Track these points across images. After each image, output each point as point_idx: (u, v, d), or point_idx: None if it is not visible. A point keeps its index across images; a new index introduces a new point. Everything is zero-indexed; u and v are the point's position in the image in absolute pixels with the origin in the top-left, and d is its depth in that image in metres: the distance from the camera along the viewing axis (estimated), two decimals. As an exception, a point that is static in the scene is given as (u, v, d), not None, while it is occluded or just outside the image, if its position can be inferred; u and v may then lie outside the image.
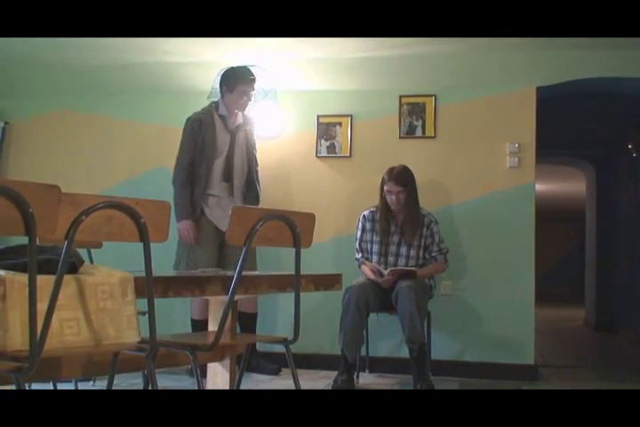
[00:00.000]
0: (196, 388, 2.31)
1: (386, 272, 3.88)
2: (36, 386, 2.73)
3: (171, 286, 2.04)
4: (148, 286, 1.86)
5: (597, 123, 6.30)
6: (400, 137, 4.49)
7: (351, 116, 4.56)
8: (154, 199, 1.90)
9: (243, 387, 2.77)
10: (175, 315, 4.37)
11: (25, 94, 5.03)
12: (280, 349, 3.50)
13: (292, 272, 2.37)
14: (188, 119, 4.05)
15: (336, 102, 4.59)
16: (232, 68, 4.09)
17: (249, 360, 3.49)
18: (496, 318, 4.26)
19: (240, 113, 4.13)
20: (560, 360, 5.30)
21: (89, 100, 4.93)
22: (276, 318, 4.44)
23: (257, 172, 4.19)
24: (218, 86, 4.09)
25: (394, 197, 4.00)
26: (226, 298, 2.16)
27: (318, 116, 4.59)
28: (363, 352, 4.08)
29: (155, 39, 4.03)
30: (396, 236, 4.08)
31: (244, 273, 2.18)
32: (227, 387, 2.70)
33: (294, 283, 2.36)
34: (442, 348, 4.21)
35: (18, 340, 1.60)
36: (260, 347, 4.22)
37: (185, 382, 3.84)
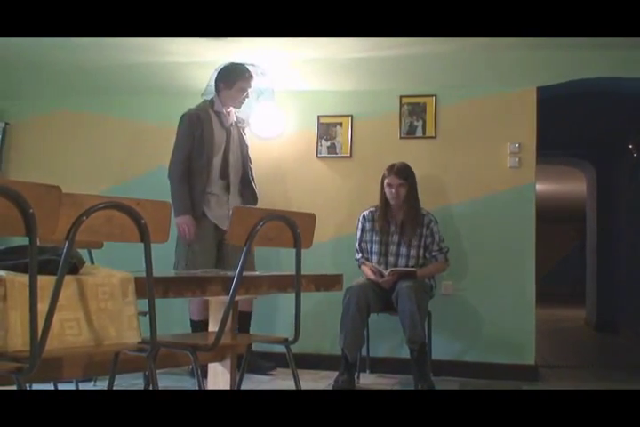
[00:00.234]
0: (197, 388, 2.31)
1: (386, 273, 3.89)
2: (36, 387, 2.73)
3: (171, 286, 2.04)
4: (149, 287, 1.86)
5: (598, 123, 6.30)
6: (400, 137, 4.49)
7: (351, 117, 4.56)
8: (154, 200, 1.90)
9: (243, 387, 2.77)
10: (175, 315, 4.36)
11: (25, 95, 5.03)
12: (277, 348, 3.52)
13: (293, 272, 2.37)
14: (184, 115, 4.04)
15: (336, 102, 4.59)
16: (231, 64, 4.10)
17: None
18: (497, 318, 4.26)
19: (233, 111, 4.15)
20: (560, 361, 5.31)
21: (89, 100, 4.93)
22: (276, 318, 4.44)
23: (251, 169, 4.19)
24: (213, 83, 4.10)
25: (394, 191, 4.00)
26: (226, 298, 2.16)
27: (319, 117, 4.60)
28: (363, 352, 4.07)
29: (157, 40, 4.03)
30: (395, 235, 4.08)
31: (244, 273, 2.18)
32: (227, 387, 2.70)
33: (295, 283, 2.36)
34: (442, 348, 4.20)
35: (19, 340, 1.60)
36: (256, 347, 4.21)
37: (186, 383, 3.84)
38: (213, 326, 2.73)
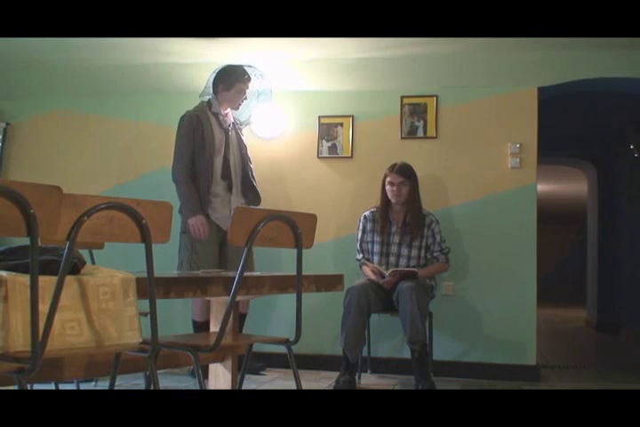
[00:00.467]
0: (198, 388, 2.31)
1: (387, 273, 3.88)
2: (37, 387, 2.73)
3: (172, 286, 2.03)
4: (150, 287, 1.86)
5: (599, 123, 6.30)
6: (401, 137, 4.49)
7: (352, 117, 4.56)
8: (155, 200, 1.89)
9: (244, 388, 2.77)
10: (176, 316, 4.37)
11: (26, 95, 5.04)
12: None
13: (294, 273, 2.36)
14: (183, 116, 4.05)
15: (337, 103, 4.59)
16: (229, 65, 4.11)
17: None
18: (498, 318, 4.25)
19: (230, 112, 4.15)
20: (562, 361, 5.30)
21: (90, 100, 4.93)
22: (276, 318, 4.44)
23: (252, 169, 4.20)
24: (211, 85, 4.10)
25: (395, 188, 4.00)
26: (227, 299, 2.16)
27: (320, 117, 4.60)
28: (364, 353, 4.07)
29: (156, 40, 4.04)
30: (396, 236, 4.08)
31: (245, 274, 2.18)
32: (228, 387, 2.70)
33: (296, 284, 2.36)
34: (443, 348, 4.20)
35: (20, 341, 1.60)
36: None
37: (186, 383, 3.84)
38: (214, 327, 2.73)
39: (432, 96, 4.46)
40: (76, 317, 1.72)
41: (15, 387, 1.62)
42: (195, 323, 4.06)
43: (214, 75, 4.10)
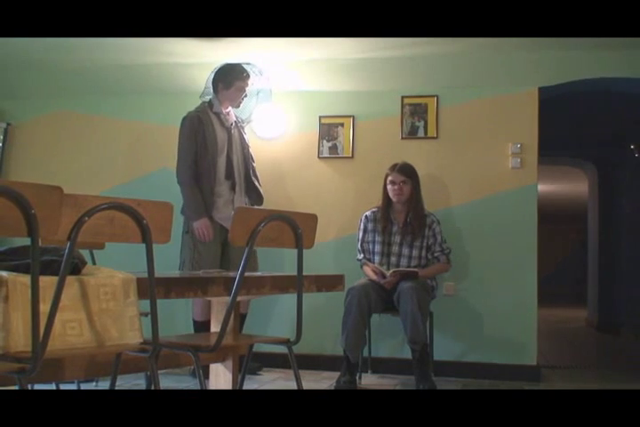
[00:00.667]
0: (199, 388, 2.31)
1: (388, 273, 3.88)
2: (38, 387, 2.73)
3: (173, 286, 2.03)
4: (151, 287, 1.86)
5: (600, 123, 6.30)
6: (402, 138, 4.49)
7: (353, 117, 4.56)
8: (156, 200, 1.89)
9: (245, 388, 2.77)
10: (177, 316, 4.37)
11: (27, 95, 5.04)
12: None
13: (295, 273, 2.37)
14: (185, 118, 4.05)
15: (338, 103, 4.59)
16: (228, 64, 4.12)
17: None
18: (498, 318, 4.25)
19: (232, 111, 4.16)
20: (562, 361, 5.30)
21: (91, 100, 4.93)
22: (276, 318, 4.44)
23: (254, 168, 4.20)
24: (211, 85, 4.11)
25: (397, 187, 4.01)
26: (228, 299, 2.16)
27: (320, 117, 4.60)
28: (365, 353, 4.07)
29: (157, 40, 4.04)
30: (397, 236, 4.08)
31: (246, 274, 2.18)
32: (229, 388, 2.70)
33: (297, 284, 2.36)
34: (444, 348, 4.20)
35: (20, 341, 1.60)
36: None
37: (187, 383, 3.84)
38: (215, 327, 2.73)
39: (432, 96, 4.46)
40: (76, 317, 1.72)
41: (16, 387, 1.62)
42: (195, 322, 4.06)
43: (213, 74, 4.11)
